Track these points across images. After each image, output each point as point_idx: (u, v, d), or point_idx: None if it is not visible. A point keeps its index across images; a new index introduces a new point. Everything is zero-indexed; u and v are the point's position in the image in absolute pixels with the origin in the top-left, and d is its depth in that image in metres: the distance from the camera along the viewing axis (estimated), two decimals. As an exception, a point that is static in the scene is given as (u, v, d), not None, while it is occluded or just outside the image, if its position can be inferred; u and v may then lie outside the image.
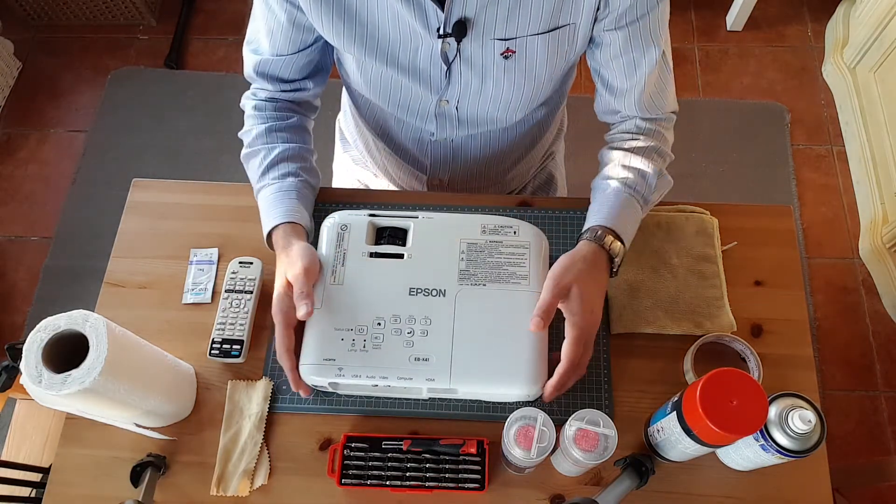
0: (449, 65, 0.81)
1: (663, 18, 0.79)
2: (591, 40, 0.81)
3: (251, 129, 0.91)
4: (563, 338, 0.76)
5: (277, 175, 0.87)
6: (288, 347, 0.77)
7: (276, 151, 0.88)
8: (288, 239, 0.82)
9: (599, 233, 0.81)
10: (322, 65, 0.93)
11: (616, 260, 0.81)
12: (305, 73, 0.91)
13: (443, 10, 0.73)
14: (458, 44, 0.78)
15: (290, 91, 0.92)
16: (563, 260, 0.79)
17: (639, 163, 0.86)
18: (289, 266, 0.79)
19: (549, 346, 0.79)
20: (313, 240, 0.87)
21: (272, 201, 0.85)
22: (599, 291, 0.80)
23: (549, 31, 0.77)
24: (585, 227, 0.83)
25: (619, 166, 0.86)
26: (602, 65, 0.84)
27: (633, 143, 0.88)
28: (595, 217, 0.83)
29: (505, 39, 0.77)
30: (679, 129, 0.93)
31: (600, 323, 0.80)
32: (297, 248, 0.81)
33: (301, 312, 0.76)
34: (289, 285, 0.79)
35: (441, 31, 0.76)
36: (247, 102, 0.94)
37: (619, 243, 0.81)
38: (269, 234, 0.85)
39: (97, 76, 2.21)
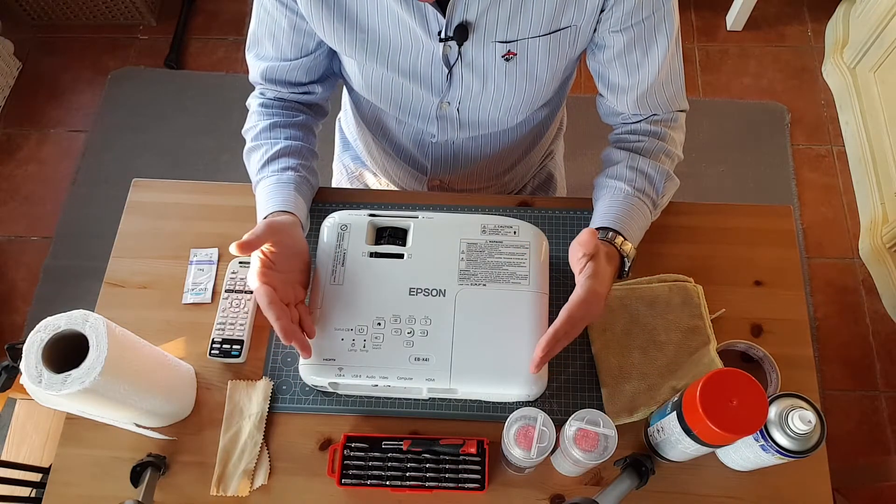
0: (450, 68, 0.81)
1: (670, 16, 0.77)
2: (594, 42, 0.81)
3: (255, 124, 0.90)
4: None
5: (278, 168, 0.86)
6: (272, 300, 0.71)
7: (278, 146, 0.88)
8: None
9: (610, 235, 0.80)
10: (331, 68, 0.93)
11: (627, 261, 0.80)
12: (314, 77, 0.91)
13: (444, 14, 0.73)
14: (460, 47, 0.78)
15: (299, 94, 0.92)
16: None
17: (646, 165, 0.85)
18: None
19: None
20: (313, 240, 0.87)
21: (270, 192, 0.84)
22: (610, 279, 0.77)
23: (550, 34, 0.77)
24: (594, 227, 0.83)
25: (626, 168, 0.86)
26: (603, 65, 0.83)
27: (640, 145, 0.87)
28: (603, 218, 0.82)
29: (506, 42, 0.77)
30: (679, 128, 0.93)
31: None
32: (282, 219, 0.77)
33: (231, 247, 0.70)
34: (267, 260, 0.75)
35: (442, 35, 0.76)
36: (253, 101, 0.93)
37: (629, 245, 0.80)
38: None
39: (97, 76, 2.21)
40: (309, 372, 0.78)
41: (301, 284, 0.79)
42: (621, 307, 0.88)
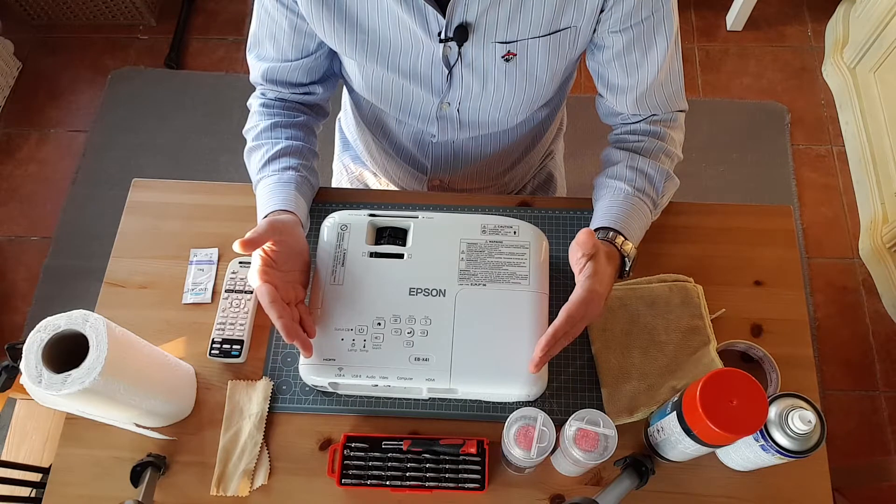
0: (450, 68, 0.81)
1: (670, 17, 0.77)
2: (593, 42, 0.81)
3: (256, 124, 0.90)
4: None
5: (278, 168, 0.86)
6: (273, 298, 0.71)
7: (279, 146, 0.88)
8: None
9: (611, 234, 0.80)
10: (332, 69, 0.93)
11: (627, 261, 0.80)
12: (315, 78, 0.91)
13: (444, 15, 0.73)
14: (460, 48, 0.78)
15: (300, 94, 0.92)
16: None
17: (646, 165, 0.85)
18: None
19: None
20: (313, 240, 0.87)
21: (270, 191, 0.84)
22: (610, 279, 0.77)
23: (550, 34, 0.77)
24: (595, 227, 0.83)
25: (626, 167, 0.86)
26: (603, 65, 0.83)
27: (639, 145, 0.87)
28: (603, 218, 0.82)
29: (506, 42, 0.77)
30: (679, 129, 0.93)
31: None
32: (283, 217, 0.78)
33: (234, 244, 0.70)
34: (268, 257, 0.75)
35: (442, 36, 0.76)
36: (254, 101, 0.93)
37: (630, 244, 0.80)
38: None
39: (97, 76, 2.21)
40: (309, 372, 0.78)
41: (301, 284, 0.79)
42: (621, 307, 0.88)
